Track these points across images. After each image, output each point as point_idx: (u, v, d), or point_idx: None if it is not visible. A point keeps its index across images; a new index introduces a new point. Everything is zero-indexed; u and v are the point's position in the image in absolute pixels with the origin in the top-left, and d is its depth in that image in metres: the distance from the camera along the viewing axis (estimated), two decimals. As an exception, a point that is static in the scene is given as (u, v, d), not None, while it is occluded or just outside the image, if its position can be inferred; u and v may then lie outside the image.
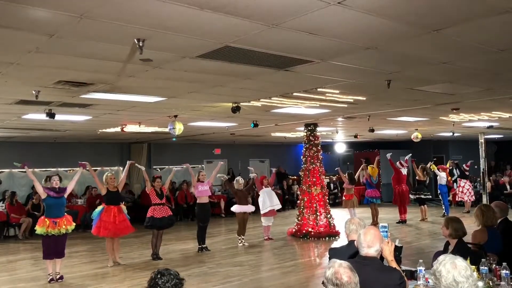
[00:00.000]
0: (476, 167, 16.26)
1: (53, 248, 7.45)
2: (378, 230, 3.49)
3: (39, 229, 7.39)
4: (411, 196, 14.13)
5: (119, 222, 8.46)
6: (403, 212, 13.40)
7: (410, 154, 14.87)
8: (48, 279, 7.46)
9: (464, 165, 15.97)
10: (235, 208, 10.57)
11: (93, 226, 8.58)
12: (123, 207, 8.78)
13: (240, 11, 3.56)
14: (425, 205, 13.93)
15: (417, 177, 14.19)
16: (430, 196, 14.62)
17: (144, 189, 14.10)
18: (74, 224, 7.83)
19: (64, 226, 7.44)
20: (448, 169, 15.51)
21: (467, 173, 15.79)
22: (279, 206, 11.29)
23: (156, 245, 9.06)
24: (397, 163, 13.71)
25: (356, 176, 13.20)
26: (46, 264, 7.57)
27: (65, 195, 7.75)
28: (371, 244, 3.29)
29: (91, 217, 9.06)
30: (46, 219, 7.39)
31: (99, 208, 8.65)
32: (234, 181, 10.66)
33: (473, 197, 15.41)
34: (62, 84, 6.04)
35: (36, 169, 14.81)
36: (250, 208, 10.68)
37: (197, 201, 9.83)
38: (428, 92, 7.53)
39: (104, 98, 7.12)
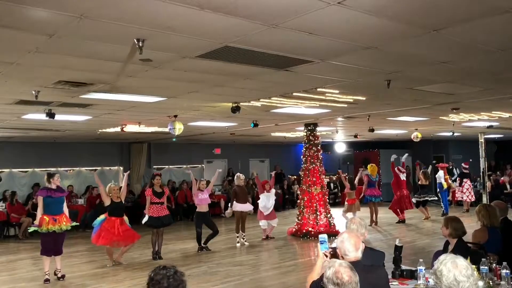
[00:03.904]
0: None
1: (52, 245, 7.45)
2: (353, 231, 3.63)
3: (36, 228, 7.38)
4: (414, 200, 14.02)
5: (123, 232, 8.40)
6: (402, 212, 13.38)
7: (407, 154, 14.67)
8: (44, 279, 7.45)
9: (463, 164, 15.95)
10: (233, 206, 10.57)
11: (93, 235, 8.49)
12: (125, 218, 8.71)
13: (240, 11, 3.56)
14: (426, 206, 13.93)
15: (419, 182, 14.15)
16: (436, 198, 14.61)
17: (143, 189, 14.12)
18: (73, 222, 7.83)
19: (64, 223, 7.46)
20: (446, 168, 15.49)
21: (466, 171, 15.76)
22: (269, 212, 10.88)
23: (157, 244, 9.08)
24: (396, 168, 13.60)
25: (356, 181, 13.15)
26: (43, 261, 7.55)
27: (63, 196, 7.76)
28: (358, 245, 3.30)
29: (92, 225, 8.96)
30: (45, 217, 7.39)
31: (102, 217, 8.57)
32: (235, 177, 10.63)
33: (473, 196, 15.40)
34: (62, 84, 6.04)
35: (36, 169, 14.88)
36: (248, 207, 10.64)
37: (197, 209, 9.81)
38: (428, 92, 7.53)
39: (104, 98, 7.12)
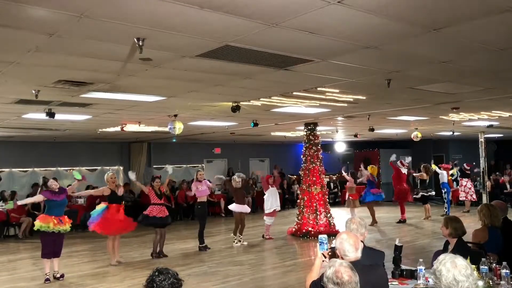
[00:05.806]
0: None
1: (52, 247, 7.47)
2: (350, 231, 3.64)
3: (41, 225, 7.36)
4: (415, 195, 14.08)
5: (121, 221, 8.50)
6: (403, 212, 13.42)
7: (395, 155, 14.56)
8: (44, 279, 7.46)
9: (464, 164, 15.93)
10: (233, 207, 10.60)
11: (94, 223, 8.49)
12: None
13: (240, 10, 3.56)
14: (428, 204, 13.95)
15: (419, 177, 14.15)
16: (434, 193, 14.60)
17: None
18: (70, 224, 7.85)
19: (66, 225, 7.51)
20: (449, 168, 15.50)
21: (467, 172, 15.75)
22: (279, 208, 11.34)
23: (159, 243, 9.12)
24: (398, 162, 13.73)
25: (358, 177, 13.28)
26: (44, 264, 7.58)
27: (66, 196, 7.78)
28: (358, 245, 3.30)
29: (91, 213, 9.02)
30: (48, 217, 7.41)
31: (102, 206, 8.61)
32: (232, 179, 10.70)
33: (474, 196, 15.38)
34: (62, 83, 6.04)
35: (36, 169, 14.88)
36: (246, 208, 10.65)
37: (198, 200, 9.90)
38: (428, 91, 7.53)
39: (104, 97, 7.12)
